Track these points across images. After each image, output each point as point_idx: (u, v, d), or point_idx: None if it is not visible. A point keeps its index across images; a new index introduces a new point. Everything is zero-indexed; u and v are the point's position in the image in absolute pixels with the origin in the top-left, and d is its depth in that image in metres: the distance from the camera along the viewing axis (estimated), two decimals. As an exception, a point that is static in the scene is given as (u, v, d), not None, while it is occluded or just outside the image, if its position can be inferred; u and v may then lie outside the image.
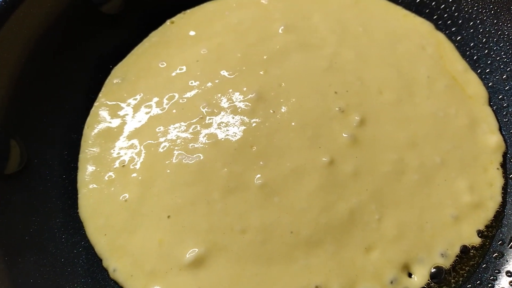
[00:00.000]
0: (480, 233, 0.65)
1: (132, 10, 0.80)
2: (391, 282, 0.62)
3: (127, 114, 0.72)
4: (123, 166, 0.68)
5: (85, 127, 0.73)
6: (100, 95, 0.75)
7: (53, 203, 0.67)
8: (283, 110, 0.69)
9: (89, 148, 0.71)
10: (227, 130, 0.69)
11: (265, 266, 0.62)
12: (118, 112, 0.73)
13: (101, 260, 0.64)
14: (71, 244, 0.65)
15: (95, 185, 0.68)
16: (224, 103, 0.71)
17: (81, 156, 0.71)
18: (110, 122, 0.72)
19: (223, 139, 0.68)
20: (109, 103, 0.74)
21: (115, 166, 0.68)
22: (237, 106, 0.70)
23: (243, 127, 0.69)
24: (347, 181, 0.65)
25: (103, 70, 0.77)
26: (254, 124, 0.69)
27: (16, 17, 0.67)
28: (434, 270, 0.63)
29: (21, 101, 0.67)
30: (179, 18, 0.81)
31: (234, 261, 0.62)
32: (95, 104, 0.74)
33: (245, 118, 0.69)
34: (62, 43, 0.73)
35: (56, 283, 0.61)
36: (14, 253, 0.59)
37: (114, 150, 0.70)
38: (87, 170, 0.69)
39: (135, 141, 0.70)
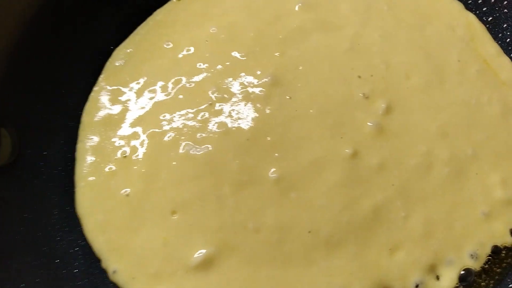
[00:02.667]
0: (513, 232, 0.60)
1: (134, -15, 0.73)
2: (417, 286, 0.57)
3: (129, 100, 0.66)
4: (125, 157, 0.62)
5: (84, 114, 0.66)
6: (100, 79, 0.69)
7: (48, 198, 0.61)
8: (301, 96, 0.63)
9: (88, 137, 0.65)
10: (239, 118, 0.63)
11: (281, 268, 0.57)
12: (120, 98, 0.67)
13: (99, 261, 0.59)
14: (67, 243, 0.60)
15: (94, 178, 0.62)
16: (236, 88, 0.65)
17: (79, 146, 0.65)
18: (110, 109, 0.66)
19: (234, 128, 0.62)
20: (109, 87, 0.68)
21: (116, 157, 0.63)
22: (250, 92, 0.64)
23: (257, 115, 0.62)
24: (371, 175, 0.60)
25: (103, 51, 0.70)
26: (268, 112, 0.62)
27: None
28: (463, 272, 0.58)
29: (13, 86, 0.61)
30: (186, -5, 0.75)
31: (247, 262, 0.57)
32: (95, 88, 0.68)
33: (258, 105, 0.63)
34: (58, 22, 0.67)
35: (50, 286, 0.56)
36: (3, 254, 0.54)
37: (115, 140, 0.64)
38: (85, 161, 0.63)
39: (138, 130, 0.64)
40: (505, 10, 0.71)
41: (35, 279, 0.55)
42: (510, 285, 0.58)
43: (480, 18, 0.73)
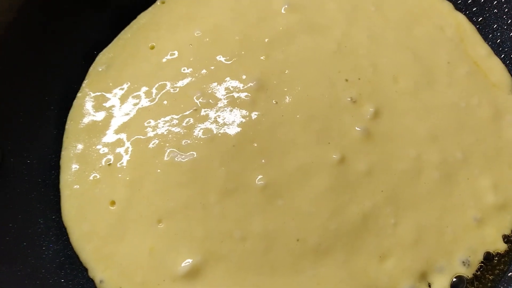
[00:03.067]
0: (505, 238, 0.60)
1: (118, -11, 0.71)
2: (407, 293, 0.56)
3: (113, 106, 0.65)
4: (109, 164, 0.61)
5: (68, 121, 0.65)
6: (83, 84, 0.68)
7: (33, 206, 0.60)
8: (287, 101, 0.62)
9: (72, 145, 0.64)
10: (225, 124, 0.61)
11: (268, 277, 0.56)
12: (104, 104, 0.66)
13: (86, 270, 0.58)
14: (53, 253, 0.59)
15: (79, 186, 0.61)
16: (221, 93, 0.64)
17: (64, 153, 0.64)
18: (94, 115, 0.65)
19: (220, 134, 0.61)
20: (93, 94, 0.67)
21: (100, 165, 0.62)
22: (236, 97, 0.63)
23: (243, 121, 0.61)
24: (359, 181, 0.59)
25: (86, 56, 0.69)
26: (254, 117, 0.61)
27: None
28: (455, 279, 0.58)
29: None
30: (171, -3, 0.73)
31: (234, 271, 0.56)
32: (78, 95, 0.67)
33: (244, 110, 0.62)
34: (39, 26, 0.65)
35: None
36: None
37: (99, 147, 0.63)
38: (70, 169, 0.63)
39: (123, 136, 0.63)
40: (495, 10, 0.70)
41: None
42: (503, 292, 0.58)
43: (470, 18, 0.72)
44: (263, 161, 0.59)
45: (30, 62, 0.64)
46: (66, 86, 0.67)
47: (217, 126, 0.61)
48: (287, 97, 0.62)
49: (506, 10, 0.69)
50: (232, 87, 0.64)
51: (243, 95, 0.63)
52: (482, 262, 0.58)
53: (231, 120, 0.62)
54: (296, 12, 0.69)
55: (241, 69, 0.65)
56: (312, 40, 0.67)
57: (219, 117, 0.62)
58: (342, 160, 0.59)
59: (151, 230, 0.58)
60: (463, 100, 0.65)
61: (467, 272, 0.58)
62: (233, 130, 0.61)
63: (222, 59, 0.66)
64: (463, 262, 0.58)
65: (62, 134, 0.65)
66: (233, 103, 0.63)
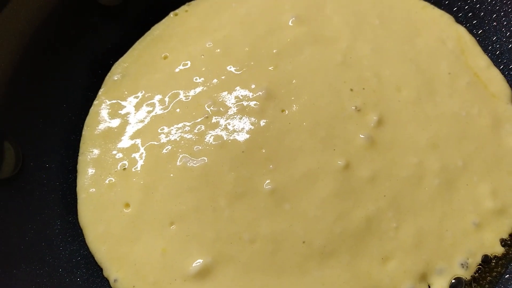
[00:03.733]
0: (503, 241, 0.62)
1: (133, 1, 0.75)
2: (408, 294, 0.58)
3: (128, 113, 0.68)
4: (124, 169, 0.64)
5: (84, 127, 0.69)
6: (99, 93, 0.71)
7: (50, 209, 0.63)
8: (294, 109, 0.65)
9: (88, 150, 0.67)
10: (234, 131, 0.64)
11: (275, 277, 0.58)
12: (119, 111, 0.69)
13: (101, 270, 0.61)
14: (70, 253, 0.62)
15: (95, 190, 0.64)
16: (231, 102, 0.66)
17: (80, 158, 0.67)
18: (110, 122, 0.68)
19: (230, 141, 0.64)
20: (109, 101, 0.70)
21: (116, 170, 0.64)
22: (245, 105, 0.66)
23: (252, 128, 0.64)
24: (363, 187, 0.61)
25: (102, 66, 0.72)
26: (263, 125, 0.64)
27: (9, 10, 0.62)
28: (454, 281, 0.60)
29: (16, 100, 0.63)
30: (183, 10, 0.76)
31: (242, 272, 0.58)
32: (95, 102, 0.70)
33: (253, 118, 0.65)
34: (58, 37, 0.69)
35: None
36: (8, 263, 0.56)
37: (115, 152, 0.66)
38: (86, 173, 0.65)
39: (137, 142, 0.66)
40: (494, 23, 0.73)
41: (40, 285, 0.57)
42: (501, 293, 0.60)
43: (470, 31, 0.74)
44: (271, 166, 0.62)
45: (50, 72, 0.68)
46: (83, 94, 0.70)
47: (227, 133, 0.64)
48: (294, 105, 0.65)
49: (505, 23, 0.72)
50: (241, 96, 0.67)
51: (252, 103, 0.66)
52: (480, 264, 0.60)
53: (241, 127, 0.64)
54: (303, 24, 0.72)
55: (251, 78, 0.68)
56: (318, 51, 0.70)
57: (229, 125, 0.65)
58: (347, 166, 0.62)
59: (163, 232, 0.60)
60: (464, 109, 0.67)
61: (466, 274, 0.60)
62: (242, 137, 0.64)
63: (233, 69, 0.69)
64: (462, 264, 0.60)
65: (79, 140, 0.68)
66: (243, 111, 0.65)
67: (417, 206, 0.61)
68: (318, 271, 0.58)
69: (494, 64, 0.72)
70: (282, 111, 0.65)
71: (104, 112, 0.69)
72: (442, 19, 0.75)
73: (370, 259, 0.59)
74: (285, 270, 0.58)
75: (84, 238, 0.62)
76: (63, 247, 0.62)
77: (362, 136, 0.64)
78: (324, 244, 0.59)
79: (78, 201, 0.64)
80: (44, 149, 0.65)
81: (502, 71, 0.71)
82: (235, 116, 0.65)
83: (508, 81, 0.71)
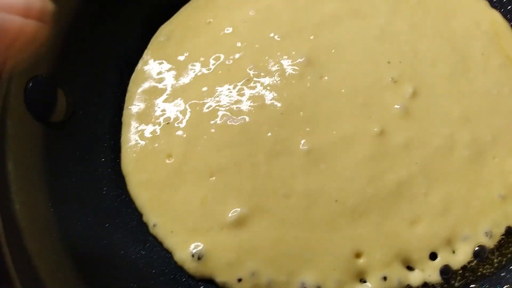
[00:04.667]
0: (527, 215, 0.64)
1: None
2: (434, 257, 0.61)
3: (172, 72, 0.71)
4: (168, 123, 0.67)
5: (130, 83, 0.72)
6: (146, 52, 0.74)
7: (96, 155, 0.66)
8: (333, 76, 0.68)
9: (133, 104, 0.70)
10: (274, 94, 0.67)
11: (308, 231, 0.61)
12: (164, 70, 0.72)
13: (141, 215, 0.64)
14: (112, 197, 0.65)
15: (139, 141, 0.67)
16: (272, 66, 0.69)
17: (125, 112, 0.70)
18: (155, 80, 0.71)
19: (269, 103, 0.67)
20: (154, 61, 0.73)
21: (159, 123, 0.68)
22: (285, 70, 0.69)
23: (291, 92, 0.67)
24: (397, 153, 0.64)
25: (150, 28, 0.75)
26: (302, 89, 0.67)
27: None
28: (478, 248, 0.62)
29: (70, 53, 0.66)
30: (229, -20, 0.79)
31: (276, 224, 0.61)
32: (141, 61, 0.73)
33: (293, 81, 0.68)
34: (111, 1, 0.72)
35: (96, 233, 0.61)
36: (60, 200, 0.59)
37: (158, 107, 0.69)
38: (131, 125, 0.68)
39: (180, 100, 0.69)
40: (529, 9, 0.75)
41: (84, 225, 0.60)
42: (521, 263, 0.62)
43: (504, 16, 0.76)
44: (308, 129, 0.65)
45: (103, 31, 0.70)
46: (130, 53, 0.73)
47: (267, 95, 0.67)
48: (333, 73, 0.68)
49: (539, 9, 0.74)
50: (282, 61, 0.69)
51: (292, 69, 0.69)
52: (503, 235, 0.62)
53: (280, 91, 0.67)
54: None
55: (291, 46, 0.70)
56: (357, 24, 0.72)
57: (269, 87, 0.68)
58: (382, 133, 0.64)
59: (203, 182, 0.63)
60: (495, 88, 0.69)
61: (489, 243, 0.62)
62: (281, 100, 0.67)
63: (274, 36, 0.72)
64: (486, 233, 0.62)
65: (125, 95, 0.71)
66: (283, 75, 0.68)
67: (447, 174, 0.64)
68: (349, 229, 0.61)
69: (526, 49, 0.74)
70: (321, 77, 0.68)
71: (149, 70, 0.72)
72: (477, 3, 0.77)
73: (399, 221, 0.61)
74: (317, 226, 0.61)
75: (126, 185, 0.65)
76: (106, 191, 0.65)
77: (397, 106, 0.66)
78: (356, 203, 0.61)
79: (122, 150, 0.67)
80: (93, 100, 0.68)
81: (534, 55, 0.73)
82: (275, 80, 0.68)
83: (539, 65, 0.73)
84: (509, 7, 0.77)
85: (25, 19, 0.43)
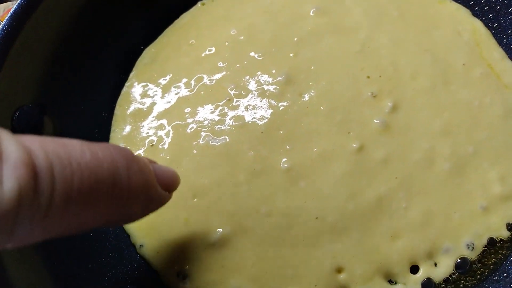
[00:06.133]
0: (509, 226, 0.64)
1: (164, -8, 0.80)
2: (415, 270, 0.62)
3: (156, 95, 0.73)
4: (152, 145, 0.69)
5: (117, 106, 0.74)
6: (131, 75, 0.76)
7: (83, 179, 0.68)
8: (312, 94, 0.69)
9: (120, 127, 0.72)
10: (255, 113, 0.69)
11: (289, 249, 0.62)
12: (148, 93, 0.74)
13: (129, 237, 0.66)
14: (100, 220, 0.67)
15: (124, 163, 0.69)
16: (252, 86, 0.71)
17: (112, 135, 0.72)
18: (140, 102, 0.73)
19: (250, 122, 0.68)
20: (139, 83, 0.75)
21: (144, 145, 0.69)
22: (265, 89, 0.70)
23: (271, 110, 0.68)
24: (376, 168, 0.64)
25: (134, 51, 0.77)
26: (282, 107, 0.68)
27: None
28: (460, 260, 0.62)
29: (56, 80, 0.68)
30: (210, 0, 0.81)
31: (258, 242, 0.62)
32: (126, 84, 0.75)
33: (273, 101, 0.69)
34: (94, 25, 0.74)
35: (84, 255, 0.63)
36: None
37: (143, 130, 0.71)
38: (117, 148, 0.70)
39: (164, 121, 0.71)
40: (510, 17, 0.75)
41: (71, 250, 0.62)
42: (504, 274, 0.62)
43: (486, 24, 0.76)
44: (288, 147, 0.66)
45: (87, 56, 0.72)
46: (117, 77, 0.75)
47: (248, 115, 0.68)
48: (313, 90, 0.69)
49: (520, 17, 0.74)
50: (262, 80, 0.71)
51: (272, 87, 0.70)
52: (485, 246, 0.63)
53: (261, 110, 0.69)
54: (324, 15, 0.75)
55: (272, 64, 0.71)
56: (337, 40, 0.73)
57: (249, 107, 0.69)
58: (361, 149, 0.65)
59: (187, 203, 0.65)
60: (477, 99, 0.70)
61: (471, 255, 0.62)
62: (262, 119, 0.68)
63: (255, 55, 0.73)
64: (468, 245, 0.62)
65: (111, 117, 0.73)
66: (263, 94, 0.70)
67: (427, 188, 0.64)
68: (330, 245, 0.62)
69: (508, 57, 0.74)
70: (301, 95, 0.69)
71: (134, 93, 0.74)
72: (459, 12, 0.78)
73: (380, 236, 0.62)
74: (298, 243, 0.62)
75: (114, 208, 0.67)
76: (94, 215, 0.67)
77: (377, 121, 0.67)
78: (336, 220, 0.62)
79: (109, 173, 0.69)
80: (80, 125, 0.70)
81: (516, 63, 0.73)
82: (256, 99, 0.69)
83: (521, 73, 0.73)
84: (490, 15, 0.77)
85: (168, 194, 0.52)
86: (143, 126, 0.71)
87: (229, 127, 0.68)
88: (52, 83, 0.68)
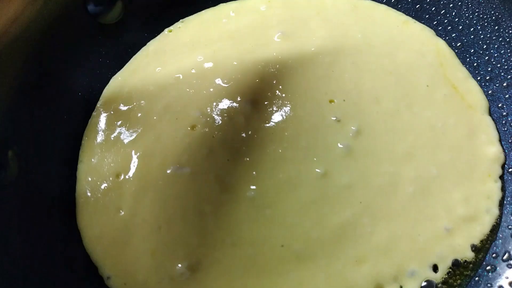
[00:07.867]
0: (473, 247, 0.64)
1: (130, 20, 0.80)
2: (382, 295, 0.62)
3: (123, 124, 0.73)
4: (117, 176, 0.69)
5: (84, 137, 0.74)
6: (98, 105, 0.76)
7: (51, 212, 0.68)
8: (277, 120, 0.69)
9: (87, 158, 0.72)
10: (220, 141, 0.69)
11: (255, 278, 0.62)
12: (115, 122, 0.74)
13: (96, 268, 0.66)
14: (68, 253, 0.67)
15: (92, 195, 0.69)
16: (218, 113, 0.71)
17: (80, 166, 0.72)
18: (107, 132, 0.73)
19: (215, 150, 0.68)
20: (106, 112, 0.75)
21: (111, 177, 0.69)
22: (231, 116, 0.70)
23: (236, 137, 0.69)
24: (340, 194, 0.65)
25: (101, 79, 0.77)
26: (247, 135, 0.69)
27: (16, 25, 0.67)
28: (425, 283, 0.63)
29: (19, 113, 0.68)
30: (177, 27, 0.81)
31: (225, 273, 0.63)
32: (93, 114, 0.75)
33: (238, 128, 0.69)
34: (60, 54, 0.74)
35: (52, 285, 0.63)
36: (9, 261, 0.61)
37: (110, 160, 0.71)
38: (85, 180, 0.70)
39: (131, 151, 0.71)
40: (472, 36, 0.76)
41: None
42: (470, 295, 0.63)
43: (449, 43, 0.77)
44: (254, 173, 0.66)
45: (52, 86, 0.72)
46: (83, 107, 0.75)
47: (214, 143, 0.69)
48: (277, 116, 0.70)
49: (482, 36, 0.75)
50: (228, 107, 0.71)
51: (237, 114, 0.70)
52: (450, 268, 0.63)
53: (226, 137, 0.69)
54: (288, 39, 0.76)
55: (237, 91, 0.72)
56: (301, 65, 0.74)
57: (215, 134, 0.69)
58: (325, 174, 0.66)
59: (153, 235, 0.65)
60: (440, 120, 0.70)
61: (436, 277, 0.63)
62: (227, 146, 0.68)
63: (221, 82, 0.73)
64: (433, 267, 0.63)
65: (79, 148, 0.73)
66: (229, 122, 0.70)
67: (391, 212, 0.65)
68: (296, 272, 0.62)
69: (472, 76, 0.75)
70: (266, 121, 0.70)
71: (101, 123, 0.74)
72: (423, 32, 0.79)
73: (345, 261, 0.63)
74: (264, 271, 0.62)
75: (82, 240, 0.67)
76: (62, 247, 0.67)
77: (341, 146, 0.68)
78: (301, 248, 0.63)
79: (77, 205, 0.69)
80: (46, 157, 0.70)
81: (479, 82, 0.74)
82: (222, 127, 0.70)
83: (484, 92, 0.74)
84: (453, 35, 0.78)
85: None
86: (110, 156, 0.71)
87: (195, 156, 0.68)
88: (16, 117, 0.67)
